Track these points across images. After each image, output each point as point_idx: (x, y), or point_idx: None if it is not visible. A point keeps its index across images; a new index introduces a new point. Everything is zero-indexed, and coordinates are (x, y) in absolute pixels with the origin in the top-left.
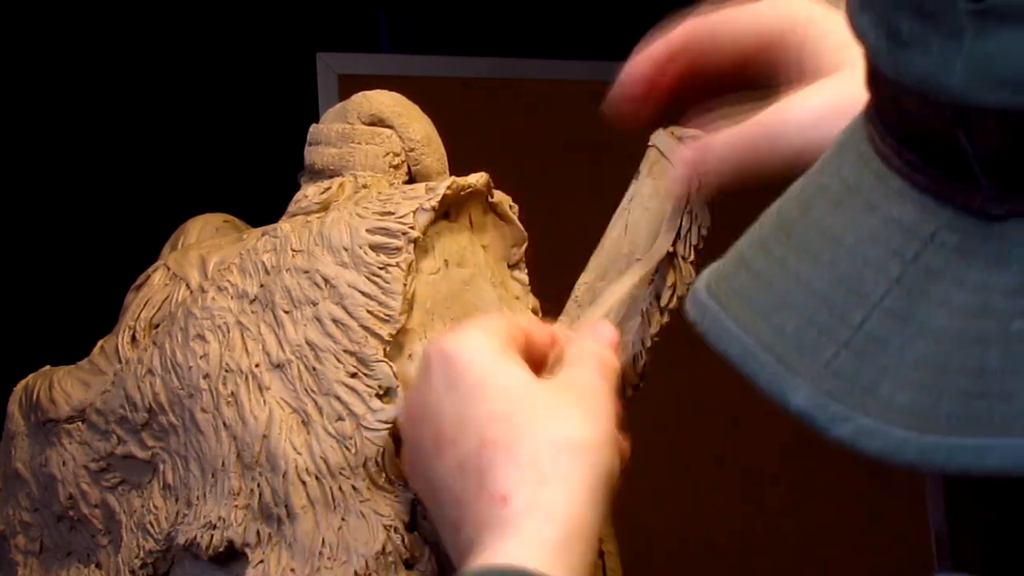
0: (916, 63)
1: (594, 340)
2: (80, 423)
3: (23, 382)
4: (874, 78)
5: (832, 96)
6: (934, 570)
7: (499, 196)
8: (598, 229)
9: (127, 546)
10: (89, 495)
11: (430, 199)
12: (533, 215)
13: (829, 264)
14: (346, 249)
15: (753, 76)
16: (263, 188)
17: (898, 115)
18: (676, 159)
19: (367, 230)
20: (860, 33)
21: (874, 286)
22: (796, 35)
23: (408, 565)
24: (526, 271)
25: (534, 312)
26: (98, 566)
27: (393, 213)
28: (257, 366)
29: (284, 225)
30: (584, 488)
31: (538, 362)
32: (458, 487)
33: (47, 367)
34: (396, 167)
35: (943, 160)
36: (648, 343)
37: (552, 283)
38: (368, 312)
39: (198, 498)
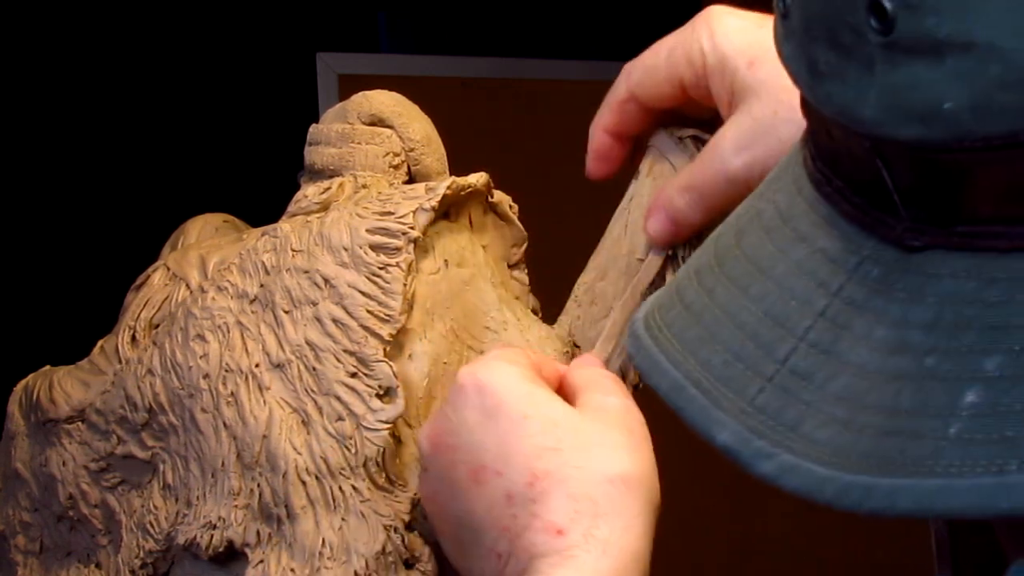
0: (834, 94)
1: (591, 366)
2: (80, 423)
3: (23, 382)
4: (805, 105)
5: (750, 122)
6: (934, 570)
7: (499, 196)
8: (598, 229)
9: (127, 546)
10: (89, 495)
11: (430, 199)
12: (533, 215)
13: (757, 297)
14: (346, 249)
15: (703, 101)
16: (263, 188)
17: (828, 142)
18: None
19: (367, 230)
20: (785, 62)
21: (800, 319)
22: (710, 65)
23: (408, 565)
24: (526, 271)
25: (534, 312)
26: (98, 566)
27: (393, 213)
28: (257, 366)
29: (284, 225)
30: (636, 522)
31: None
32: (506, 518)
33: (47, 367)
34: (396, 167)
35: (867, 189)
36: None
37: (552, 283)
38: (368, 312)
39: (198, 498)
